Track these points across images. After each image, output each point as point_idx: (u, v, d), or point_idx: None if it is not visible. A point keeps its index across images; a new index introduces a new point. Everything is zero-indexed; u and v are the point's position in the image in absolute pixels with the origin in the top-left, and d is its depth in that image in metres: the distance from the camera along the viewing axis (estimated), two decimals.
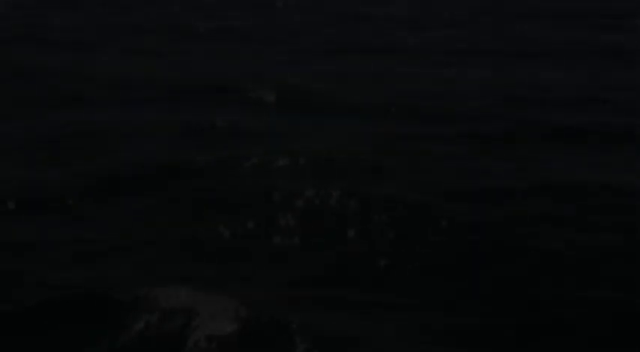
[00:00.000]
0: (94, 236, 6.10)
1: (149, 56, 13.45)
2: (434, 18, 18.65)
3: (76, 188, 7.03)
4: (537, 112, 10.02)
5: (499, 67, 12.96)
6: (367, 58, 13.75)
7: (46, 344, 4.60)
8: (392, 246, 5.99)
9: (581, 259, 5.76)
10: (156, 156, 7.87)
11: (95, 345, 4.53)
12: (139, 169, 7.52)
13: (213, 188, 7.07)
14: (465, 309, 5.07)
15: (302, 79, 11.64)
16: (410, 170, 7.67)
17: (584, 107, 10.28)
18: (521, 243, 6.00)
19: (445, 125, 9.36)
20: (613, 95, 10.92)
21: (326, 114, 9.89)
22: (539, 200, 6.89)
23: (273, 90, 10.85)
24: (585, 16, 18.83)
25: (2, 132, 8.76)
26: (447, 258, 5.78)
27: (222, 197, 6.88)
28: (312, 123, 9.37)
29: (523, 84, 11.62)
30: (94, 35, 15.35)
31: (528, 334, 4.78)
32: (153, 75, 11.77)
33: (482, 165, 7.84)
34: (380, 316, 4.95)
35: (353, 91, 11.05)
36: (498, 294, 5.22)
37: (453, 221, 6.33)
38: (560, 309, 5.03)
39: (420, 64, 13.20)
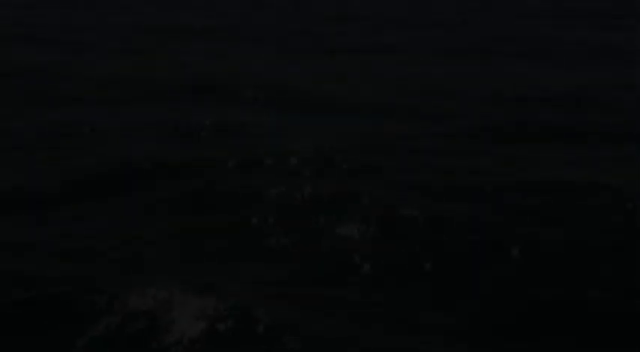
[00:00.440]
0: (78, 234, 6.02)
1: (143, 55, 13.42)
2: (423, 17, 18.70)
3: (64, 186, 7.01)
4: (528, 111, 10.08)
5: (490, 66, 13.09)
6: (356, 57, 13.85)
7: (6, 347, 4.47)
8: (380, 244, 5.94)
9: (572, 258, 5.72)
10: (144, 154, 7.84)
11: (60, 346, 4.42)
12: (127, 167, 7.48)
13: (201, 186, 7.05)
14: (452, 308, 5.02)
15: (291, 77, 11.75)
16: (399, 168, 7.69)
17: (577, 106, 10.38)
18: (511, 241, 5.94)
19: (435, 123, 9.43)
20: (606, 94, 11.03)
21: (314, 113, 9.97)
22: (527, 198, 6.90)
23: (262, 89, 10.95)
24: (581, 16, 18.89)
25: None
26: (434, 256, 5.71)
27: (210, 195, 6.86)
28: (301, 122, 9.44)
29: (514, 82, 11.72)
30: (91, 35, 15.34)
31: (520, 334, 4.72)
32: (145, 74, 11.77)
33: (471, 163, 7.89)
34: (368, 315, 4.87)
35: (342, 90, 11.13)
36: (488, 293, 5.17)
37: (442, 219, 6.30)
38: (553, 309, 4.97)
39: (409, 63, 13.32)
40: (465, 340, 4.64)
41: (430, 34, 16.41)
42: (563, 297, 5.09)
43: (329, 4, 20.33)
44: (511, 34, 16.38)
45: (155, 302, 4.73)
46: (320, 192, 6.82)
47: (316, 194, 6.80)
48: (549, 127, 9.45)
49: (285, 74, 12.06)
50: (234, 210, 6.53)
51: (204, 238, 6.00)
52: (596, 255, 5.79)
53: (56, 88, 10.95)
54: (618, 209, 6.60)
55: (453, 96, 10.89)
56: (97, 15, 17.92)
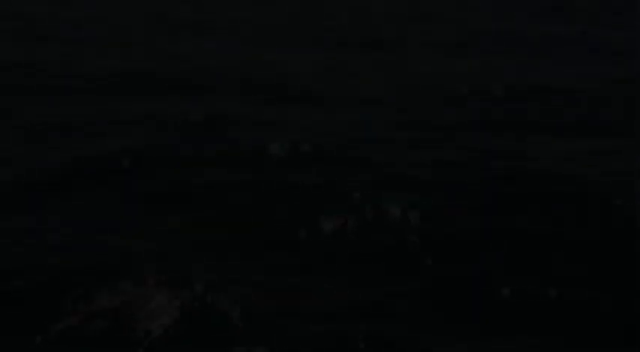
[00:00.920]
0: (60, 226, 6.01)
1: (139, 50, 13.45)
2: (412, 11, 18.75)
3: (51, 178, 7.00)
4: (517, 104, 10.14)
5: (478, 59, 13.07)
6: (347, 50, 13.86)
7: None
8: (365, 236, 5.96)
9: (559, 250, 5.75)
10: (133, 147, 7.81)
11: (25, 344, 4.41)
12: (107, 161, 7.45)
13: (191, 179, 7.06)
14: (438, 300, 5.04)
15: (284, 70, 11.76)
16: (387, 161, 7.71)
17: (566, 100, 10.40)
18: (500, 234, 5.98)
19: (422, 116, 9.48)
20: (596, 88, 11.06)
21: (305, 105, 9.97)
22: (515, 190, 6.95)
23: (254, 82, 10.96)
24: (577, 10, 18.97)
25: None
26: (420, 248, 5.71)
27: (195, 188, 6.86)
28: (290, 114, 9.44)
29: (503, 76, 11.69)
30: (89, 30, 15.32)
31: (500, 328, 4.75)
32: (141, 68, 11.69)
33: (459, 156, 7.91)
34: (350, 309, 4.87)
35: (334, 83, 11.15)
36: (476, 286, 5.17)
37: (429, 211, 6.30)
38: (538, 303, 5.00)
39: (398, 57, 13.32)
40: (451, 333, 4.67)
41: (421, 27, 16.43)
42: (549, 292, 5.10)
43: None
44: (498, 28, 16.38)
45: (129, 296, 4.72)
46: (305, 183, 6.84)
47: (302, 186, 6.82)
48: (538, 121, 9.50)
49: (276, 68, 12.05)
50: (220, 203, 6.52)
51: (185, 231, 5.98)
52: (582, 248, 5.82)
53: (44, 82, 10.86)
54: (606, 202, 6.62)
55: (441, 90, 10.90)
56: (88, 9, 17.83)
